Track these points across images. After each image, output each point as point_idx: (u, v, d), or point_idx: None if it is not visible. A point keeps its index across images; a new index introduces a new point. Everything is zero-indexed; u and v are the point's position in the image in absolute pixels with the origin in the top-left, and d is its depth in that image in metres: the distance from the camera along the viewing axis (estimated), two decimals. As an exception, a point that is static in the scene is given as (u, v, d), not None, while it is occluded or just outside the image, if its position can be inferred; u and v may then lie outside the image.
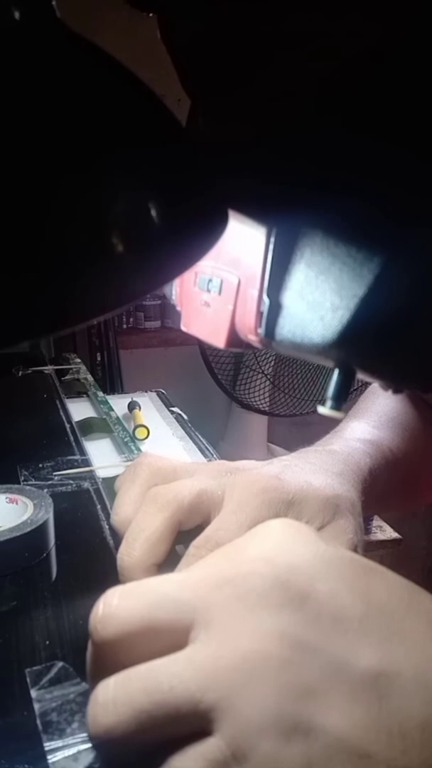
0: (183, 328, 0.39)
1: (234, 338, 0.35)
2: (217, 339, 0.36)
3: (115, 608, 0.25)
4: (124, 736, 0.23)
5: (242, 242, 0.32)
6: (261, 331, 0.32)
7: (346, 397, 0.31)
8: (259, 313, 0.32)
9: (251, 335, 0.33)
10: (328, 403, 0.31)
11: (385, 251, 0.28)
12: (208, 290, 0.36)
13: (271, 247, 0.31)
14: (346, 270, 0.28)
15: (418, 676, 0.23)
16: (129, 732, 0.23)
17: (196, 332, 0.38)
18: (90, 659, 0.27)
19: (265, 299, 0.31)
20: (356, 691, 0.22)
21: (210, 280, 0.36)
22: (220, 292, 0.35)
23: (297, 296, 0.30)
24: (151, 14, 0.27)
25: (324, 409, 0.31)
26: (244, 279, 0.33)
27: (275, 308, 0.31)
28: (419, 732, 0.22)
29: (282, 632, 0.24)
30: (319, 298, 0.29)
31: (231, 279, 0.34)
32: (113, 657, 0.25)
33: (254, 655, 0.23)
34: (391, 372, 0.32)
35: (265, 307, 0.32)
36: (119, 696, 0.23)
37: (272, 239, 0.31)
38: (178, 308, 0.40)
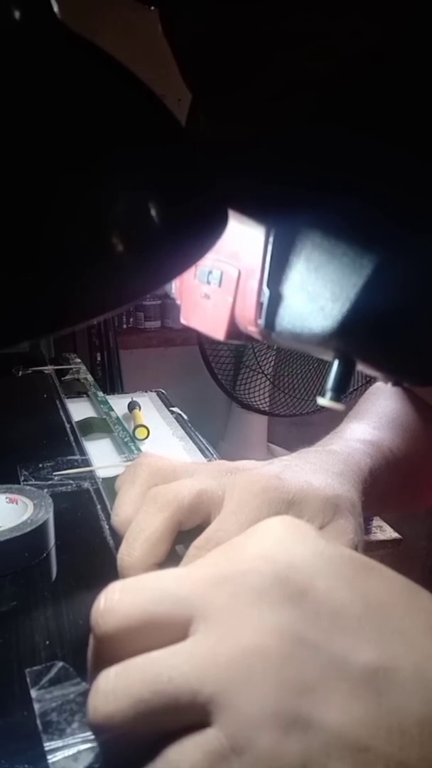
0: (182, 320, 0.39)
1: (234, 330, 0.35)
2: (217, 331, 0.36)
3: (117, 602, 0.26)
4: (123, 725, 0.23)
5: (242, 236, 0.32)
6: (261, 322, 0.32)
7: (345, 389, 0.31)
8: (259, 305, 0.32)
9: (251, 327, 0.33)
10: (328, 394, 0.31)
11: (385, 250, 0.28)
12: (208, 282, 0.36)
13: (270, 241, 0.31)
14: (346, 261, 0.28)
15: (417, 673, 0.23)
16: (127, 721, 0.23)
17: (196, 325, 0.38)
18: (91, 652, 0.27)
19: (265, 290, 0.32)
20: (355, 688, 0.23)
21: (210, 272, 0.36)
22: (220, 284, 0.35)
23: (297, 287, 0.30)
24: (152, 8, 0.27)
25: (323, 401, 0.31)
26: (244, 271, 0.33)
27: (275, 299, 0.31)
28: (418, 729, 0.22)
29: (281, 628, 0.24)
30: (320, 289, 0.29)
31: (231, 271, 0.34)
32: (114, 651, 0.25)
33: (254, 650, 0.23)
34: (391, 367, 0.32)
35: (265, 298, 0.32)
36: (119, 686, 0.24)
37: (272, 236, 0.31)
38: (178, 301, 0.40)
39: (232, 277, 0.34)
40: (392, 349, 0.31)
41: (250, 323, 0.33)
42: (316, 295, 0.29)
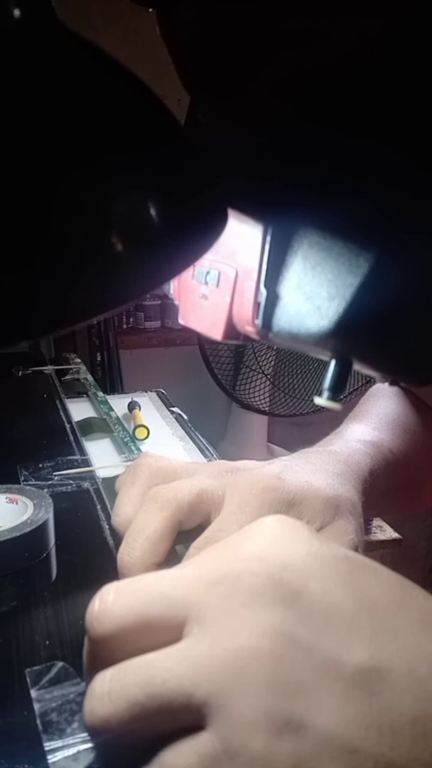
0: (180, 321, 0.40)
1: (231, 330, 0.35)
2: (215, 331, 0.36)
3: (111, 605, 0.26)
4: (119, 727, 0.23)
5: (240, 235, 0.32)
6: (258, 322, 0.32)
7: (342, 388, 0.31)
8: (257, 304, 0.32)
9: (248, 327, 0.34)
10: (325, 393, 0.31)
11: (382, 251, 0.28)
12: (206, 283, 0.36)
13: (268, 240, 0.31)
14: (342, 261, 0.28)
15: (410, 672, 0.23)
16: (123, 723, 0.23)
17: (194, 325, 0.38)
18: (86, 654, 0.27)
19: (263, 290, 0.32)
20: (347, 688, 0.23)
21: (208, 273, 0.36)
22: (217, 285, 0.35)
23: (294, 287, 0.30)
24: (150, 9, 0.27)
25: (321, 400, 0.31)
26: (242, 271, 0.33)
27: (272, 299, 0.31)
28: (409, 728, 0.22)
29: (274, 629, 0.24)
30: (316, 289, 0.29)
31: (228, 271, 0.34)
32: (109, 652, 0.25)
33: (247, 652, 0.23)
34: (388, 367, 0.32)
35: (262, 298, 0.32)
36: (114, 688, 0.24)
37: (269, 236, 0.31)
38: (176, 302, 0.40)
39: (230, 277, 0.34)
40: (389, 349, 0.31)
41: (248, 323, 0.33)
42: (313, 294, 0.29)
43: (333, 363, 0.31)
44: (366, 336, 0.30)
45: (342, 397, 0.32)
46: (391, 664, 0.23)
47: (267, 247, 0.31)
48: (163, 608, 0.25)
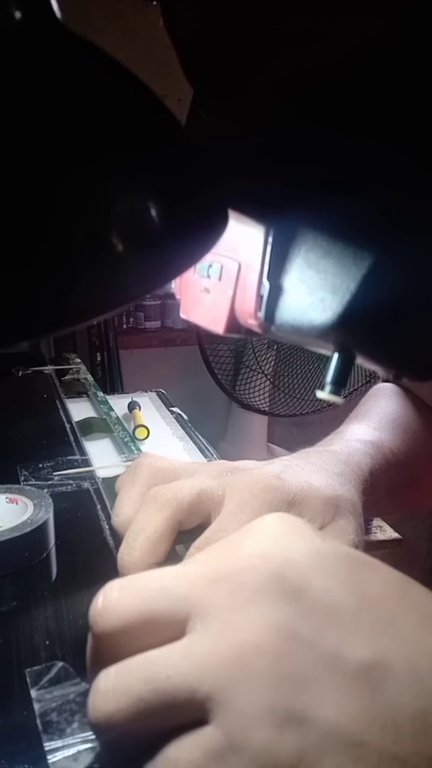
0: (182, 315, 0.39)
1: (233, 324, 0.35)
2: (217, 325, 0.36)
3: (115, 601, 0.26)
4: (123, 723, 0.24)
5: (242, 230, 0.32)
6: (261, 314, 0.32)
7: (345, 382, 0.31)
8: (259, 297, 0.32)
9: (251, 320, 0.33)
10: (327, 387, 0.31)
11: (383, 250, 0.28)
12: (208, 276, 0.36)
13: (270, 237, 0.31)
14: (345, 255, 0.28)
15: (411, 668, 0.23)
16: (128, 719, 0.23)
17: (196, 319, 0.38)
18: (90, 651, 0.27)
19: (265, 283, 0.31)
20: (350, 683, 0.23)
21: (210, 266, 0.36)
22: (219, 278, 0.35)
23: (297, 280, 0.30)
24: (154, 2, 0.27)
25: (323, 394, 0.31)
26: (244, 264, 0.33)
27: (275, 292, 0.31)
28: (411, 723, 0.22)
29: (277, 625, 0.24)
30: (320, 282, 0.29)
31: (231, 265, 0.34)
32: (113, 649, 0.26)
33: (250, 647, 0.23)
34: (391, 361, 0.32)
35: (265, 291, 0.32)
36: (119, 684, 0.24)
37: (271, 233, 0.31)
38: (177, 296, 0.40)
39: (232, 270, 0.34)
40: (389, 348, 0.31)
41: (250, 316, 0.33)
42: (317, 287, 0.29)
43: (336, 356, 0.31)
44: (367, 333, 0.30)
45: (343, 396, 0.32)
46: (392, 661, 0.23)
47: (269, 242, 0.31)
48: (166, 605, 0.25)
